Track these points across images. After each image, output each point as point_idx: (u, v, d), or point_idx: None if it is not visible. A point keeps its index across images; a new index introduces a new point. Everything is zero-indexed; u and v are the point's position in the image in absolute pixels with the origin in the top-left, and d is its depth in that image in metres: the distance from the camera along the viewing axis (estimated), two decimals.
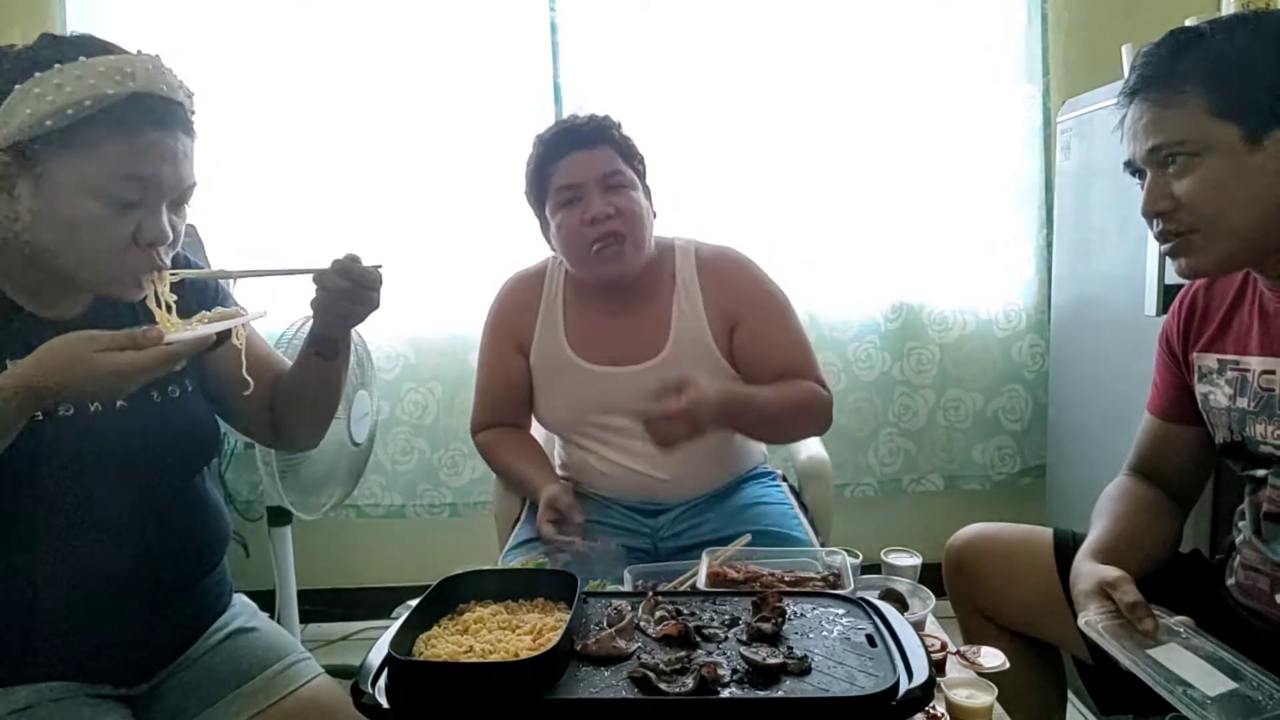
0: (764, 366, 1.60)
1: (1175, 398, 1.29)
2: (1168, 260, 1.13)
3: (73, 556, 1.05)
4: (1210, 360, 1.21)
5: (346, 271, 1.11)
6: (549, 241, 1.63)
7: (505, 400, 1.71)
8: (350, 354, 1.28)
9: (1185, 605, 1.11)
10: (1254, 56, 1.01)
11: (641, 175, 1.61)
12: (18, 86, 0.94)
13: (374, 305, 1.15)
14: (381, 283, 1.14)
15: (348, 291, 1.12)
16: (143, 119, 0.98)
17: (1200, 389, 1.22)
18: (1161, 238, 1.10)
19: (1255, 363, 1.14)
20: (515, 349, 1.68)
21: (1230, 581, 1.21)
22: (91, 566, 1.06)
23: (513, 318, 1.69)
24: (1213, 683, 0.96)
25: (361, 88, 2.48)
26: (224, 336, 1.04)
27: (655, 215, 1.63)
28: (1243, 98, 1.00)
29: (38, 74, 0.94)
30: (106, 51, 0.98)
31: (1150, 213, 1.09)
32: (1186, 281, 1.22)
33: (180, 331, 0.98)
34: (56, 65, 0.94)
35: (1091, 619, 1.08)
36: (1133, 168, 1.12)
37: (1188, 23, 1.13)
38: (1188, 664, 1.00)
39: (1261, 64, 1.01)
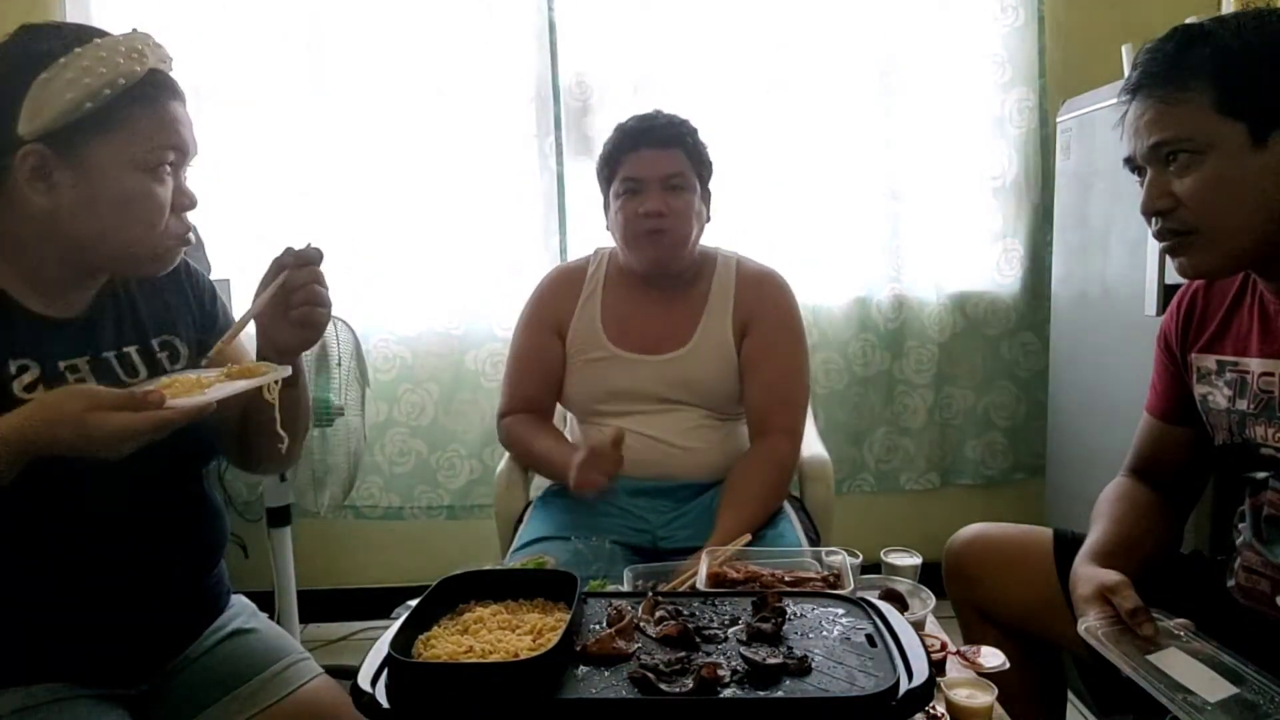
0: (752, 383, 1.68)
1: (1173, 398, 1.28)
2: (1168, 260, 1.13)
3: (71, 557, 1.05)
4: (1209, 361, 1.21)
5: (303, 258, 1.08)
6: (606, 220, 1.72)
7: (536, 384, 1.76)
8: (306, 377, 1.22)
9: (1187, 606, 1.11)
10: (1262, 54, 1.00)
11: (704, 181, 1.69)
12: (44, 74, 0.94)
13: (328, 302, 1.10)
14: (323, 258, 1.09)
15: (307, 286, 1.07)
16: (160, 92, 1.02)
17: (1199, 390, 1.22)
18: (1160, 236, 1.09)
19: (1255, 364, 1.14)
20: (554, 332, 1.75)
21: (1231, 584, 1.21)
22: (90, 567, 1.06)
23: (555, 302, 1.77)
24: (1213, 688, 0.96)
25: (357, 88, 2.48)
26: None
27: (709, 219, 1.72)
28: (1251, 96, 0.99)
29: (61, 60, 0.95)
30: (103, 34, 1.00)
31: (1150, 211, 1.08)
32: (1187, 281, 1.22)
33: (183, 397, 0.95)
34: (76, 50, 0.95)
35: (1091, 625, 1.08)
36: (1132, 165, 1.11)
37: (1188, 21, 1.12)
38: (1188, 669, 0.99)
39: (1270, 62, 1.00)
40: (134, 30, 1.03)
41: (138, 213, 1.01)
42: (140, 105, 0.99)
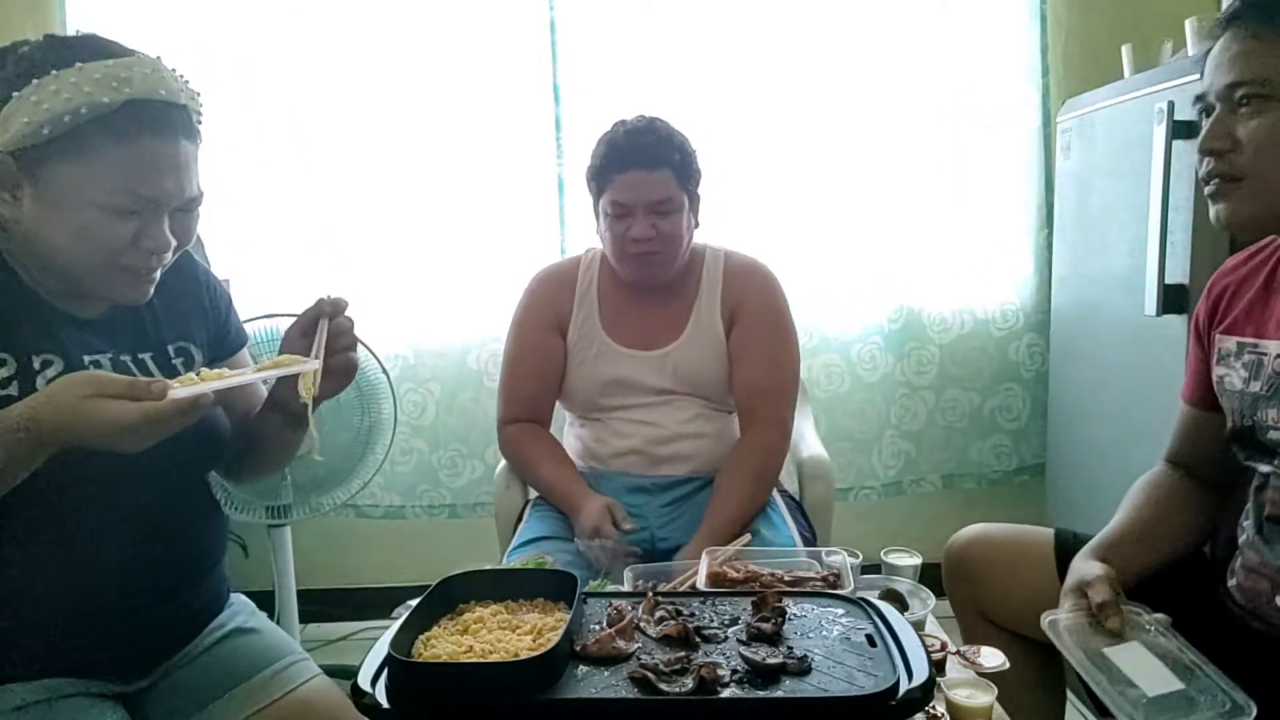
0: (739, 372, 1.71)
1: (1204, 383, 1.26)
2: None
3: (76, 553, 1.05)
4: (1230, 343, 1.19)
5: (339, 305, 1.09)
6: (597, 227, 1.73)
7: (536, 384, 1.77)
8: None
9: (1181, 605, 1.11)
10: None
11: (693, 192, 1.69)
12: (15, 94, 0.93)
13: (354, 344, 1.11)
14: (347, 305, 1.10)
15: (348, 333, 1.10)
16: (140, 127, 0.96)
17: (1217, 371, 1.21)
18: (1207, 178, 1.08)
19: (1273, 346, 1.13)
20: (554, 330, 1.77)
21: (1231, 583, 1.21)
22: (94, 564, 1.06)
23: (551, 299, 1.78)
24: (1158, 683, 0.95)
25: (359, 89, 2.48)
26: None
27: (697, 225, 1.73)
28: None
29: (35, 80, 0.92)
30: (108, 54, 0.96)
31: (1206, 149, 1.07)
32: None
33: (191, 385, 0.93)
34: (53, 71, 0.92)
35: (1057, 617, 1.09)
36: (1204, 103, 1.09)
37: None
38: (1139, 663, 0.99)
39: None
40: (138, 54, 0.98)
41: (89, 243, 0.97)
42: (107, 139, 0.94)
